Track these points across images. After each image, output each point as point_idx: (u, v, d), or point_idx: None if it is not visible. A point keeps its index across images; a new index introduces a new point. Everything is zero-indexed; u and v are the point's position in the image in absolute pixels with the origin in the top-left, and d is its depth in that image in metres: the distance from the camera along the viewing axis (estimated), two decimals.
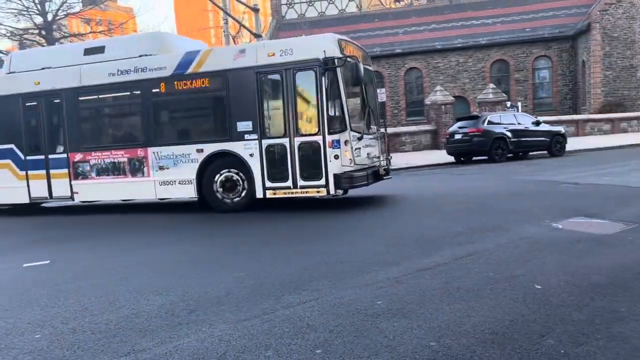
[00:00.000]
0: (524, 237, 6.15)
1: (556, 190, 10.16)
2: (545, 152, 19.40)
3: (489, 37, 35.83)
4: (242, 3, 22.18)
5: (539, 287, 4.30)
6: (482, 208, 8.65)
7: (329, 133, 8.84)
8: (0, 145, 11.30)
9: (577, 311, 3.72)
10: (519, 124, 19.17)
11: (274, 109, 9.39)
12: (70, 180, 10.74)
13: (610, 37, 31.70)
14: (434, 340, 3.32)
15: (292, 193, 9.22)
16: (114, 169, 10.40)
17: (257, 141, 9.30)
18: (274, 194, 9.31)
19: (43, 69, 10.89)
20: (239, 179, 9.58)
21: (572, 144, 20.83)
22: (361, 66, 9.03)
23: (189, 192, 9.93)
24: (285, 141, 9.14)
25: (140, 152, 10.20)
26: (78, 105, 10.61)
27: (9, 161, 11.24)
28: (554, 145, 19.20)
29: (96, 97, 10.66)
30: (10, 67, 11.42)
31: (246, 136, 9.37)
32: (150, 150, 10.08)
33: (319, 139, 8.92)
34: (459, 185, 11.61)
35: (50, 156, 10.93)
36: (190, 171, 9.79)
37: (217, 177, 9.71)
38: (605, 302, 3.87)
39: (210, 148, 9.65)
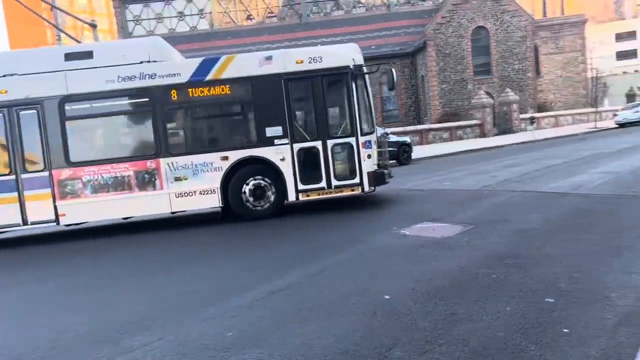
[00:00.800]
0: (375, 247, 6.32)
1: (404, 197, 10.75)
2: (394, 161, 20.60)
3: None
4: (78, 19, 20.63)
5: (387, 297, 4.39)
6: (335, 221, 8.83)
7: (362, 134, 9.45)
8: None
9: (422, 319, 3.83)
10: None
11: (305, 113, 9.75)
12: (54, 201, 9.13)
13: (443, 53, 34.97)
14: None
15: (327, 193, 9.50)
16: (116, 185, 9.25)
17: (288, 145, 9.39)
18: (308, 196, 9.47)
19: (5, 76, 9.15)
20: (268, 184, 9.46)
21: (417, 152, 22.45)
22: (395, 71, 10.04)
23: (211, 202, 9.43)
24: (317, 144, 9.42)
25: (150, 164, 9.30)
26: (64, 116, 9.21)
27: None
28: (402, 154, 20.45)
29: (89, 105, 9.39)
30: None
31: (276, 141, 9.38)
32: (163, 160, 9.32)
33: (352, 140, 9.46)
34: None
35: (24, 175, 9.15)
36: (213, 180, 9.33)
37: (245, 184, 9.42)
38: (446, 306, 4.04)
39: (237, 155, 9.36)
